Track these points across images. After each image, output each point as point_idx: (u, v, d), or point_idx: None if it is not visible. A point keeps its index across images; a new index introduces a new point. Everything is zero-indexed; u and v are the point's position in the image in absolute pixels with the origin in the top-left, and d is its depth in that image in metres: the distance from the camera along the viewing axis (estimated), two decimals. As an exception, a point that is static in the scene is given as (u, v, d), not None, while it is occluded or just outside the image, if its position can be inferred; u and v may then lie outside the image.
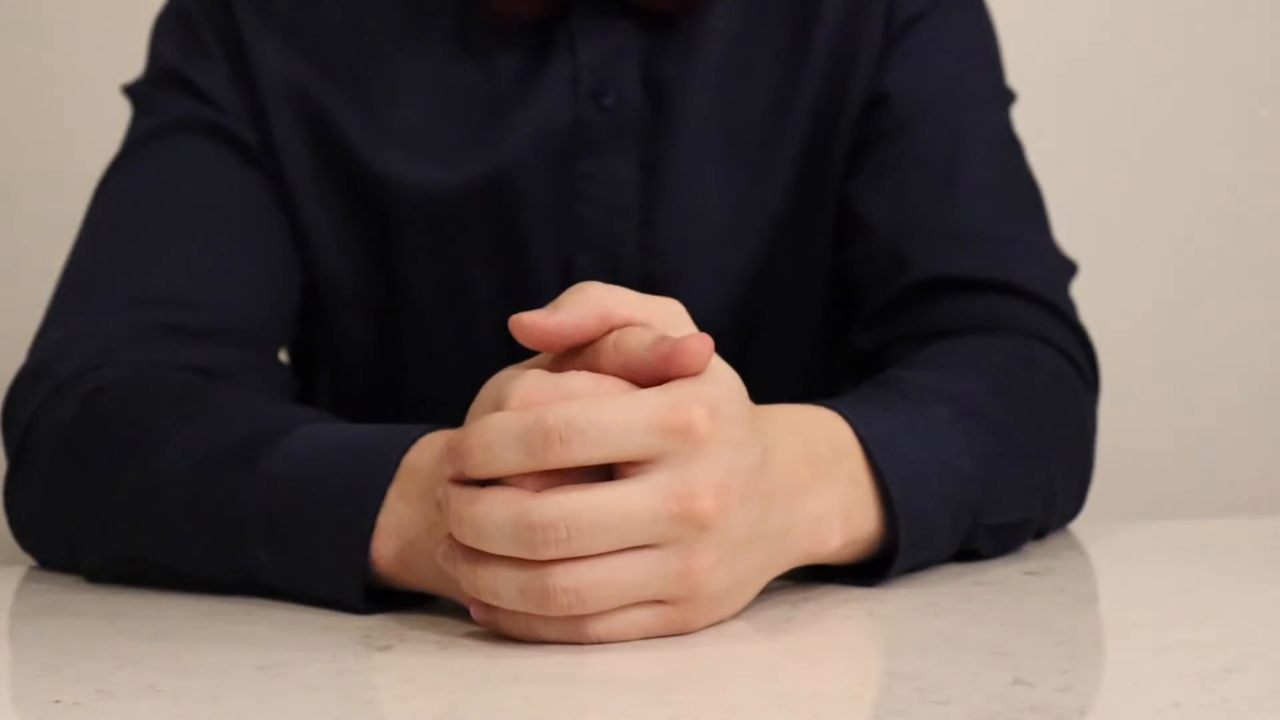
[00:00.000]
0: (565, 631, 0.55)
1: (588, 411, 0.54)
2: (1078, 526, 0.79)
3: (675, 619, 0.56)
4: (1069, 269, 0.89)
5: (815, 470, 0.62)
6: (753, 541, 0.58)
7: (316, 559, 0.63)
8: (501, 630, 0.56)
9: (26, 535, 0.76)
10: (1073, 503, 0.78)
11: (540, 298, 0.87)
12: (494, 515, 0.54)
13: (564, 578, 0.54)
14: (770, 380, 0.93)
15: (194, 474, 0.67)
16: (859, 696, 0.48)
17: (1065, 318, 0.84)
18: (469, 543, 0.55)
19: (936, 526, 0.65)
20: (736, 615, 0.59)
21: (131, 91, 0.93)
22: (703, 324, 0.82)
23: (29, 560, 0.79)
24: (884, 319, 0.87)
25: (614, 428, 0.54)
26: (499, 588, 0.55)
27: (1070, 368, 0.82)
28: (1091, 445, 0.81)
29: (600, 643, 0.55)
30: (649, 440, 0.54)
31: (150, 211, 0.87)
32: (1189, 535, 0.79)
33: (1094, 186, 1.54)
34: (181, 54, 0.91)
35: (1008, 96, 0.94)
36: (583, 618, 0.55)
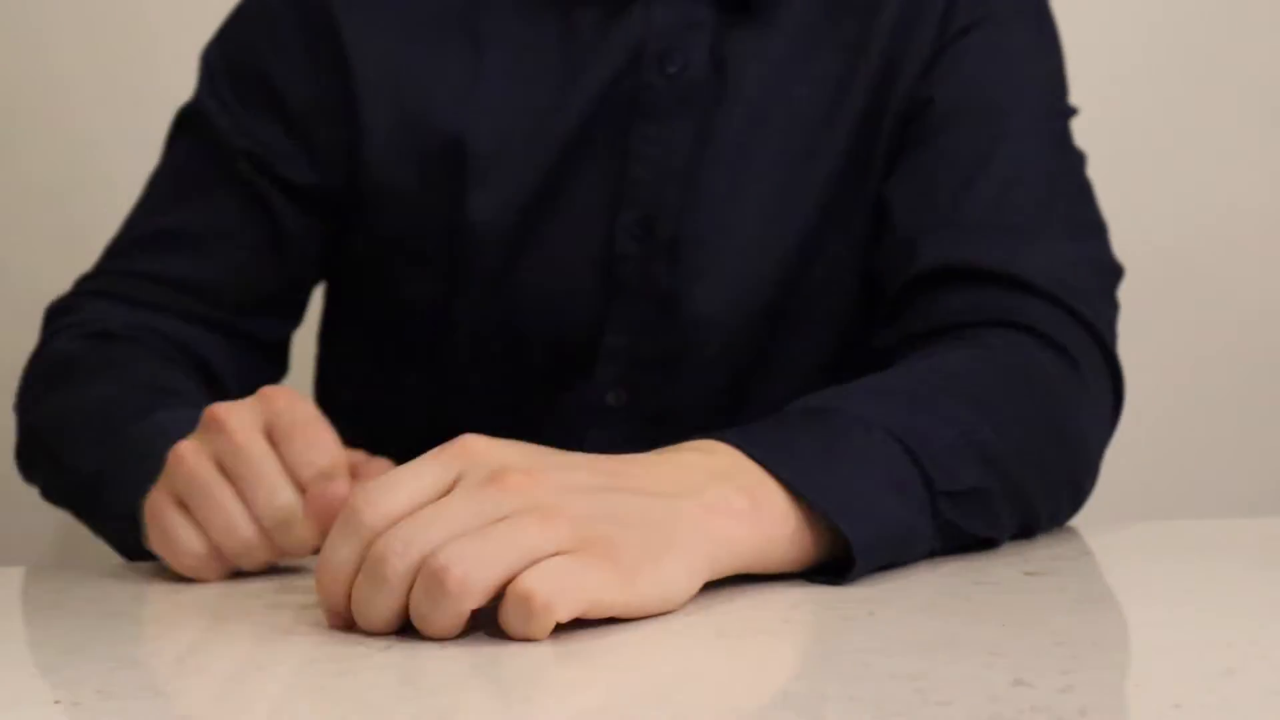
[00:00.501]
0: (526, 623, 0.55)
1: (380, 484, 0.58)
2: (1077, 526, 0.79)
3: (593, 563, 0.56)
4: (1099, 270, 0.88)
5: (664, 454, 0.64)
6: (602, 489, 0.59)
7: (111, 503, 0.78)
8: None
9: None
10: (1061, 498, 0.78)
11: (588, 247, 0.93)
12: (362, 593, 0.57)
13: (441, 557, 0.55)
14: (793, 369, 0.95)
15: (99, 411, 0.84)
16: (859, 696, 0.48)
17: (1072, 312, 0.83)
18: (376, 620, 0.57)
19: (867, 495, 0.65)
20: (735, 616, 0.59)
21: (193, 110, 1.00)
22: (733, 301, 0.93)
23: (29, 560, 0.79)
24: (893, 316, 0.88)
25: (404, 473, 0.58)
26: (429, 622, 0.56)
27: (1061, 364, 0.81)
28: (1078, 441, 0.80)
29: (561, 619, 0.55)
30: (440, 467, 0.58)
31: (180, 206, 0.99)
32: (1189, 535, 0.79)
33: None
34: (254, 48, 0.98)
35: (1062, 109, 0.94)
36: (530, 599, 0.55)
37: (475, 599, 0.55)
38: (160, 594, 0.69)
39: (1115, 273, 0.90)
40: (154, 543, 0.73)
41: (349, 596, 0.58)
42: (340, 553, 0.58)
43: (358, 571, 0.58)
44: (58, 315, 0.99)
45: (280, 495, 0.72)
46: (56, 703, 0.50)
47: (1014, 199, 0.88)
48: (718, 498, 0.62)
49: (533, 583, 0.55)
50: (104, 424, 0.82)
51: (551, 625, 0.56)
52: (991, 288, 0.84)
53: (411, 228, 0.97)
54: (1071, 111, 0.95)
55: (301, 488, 0.71)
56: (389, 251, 0.99)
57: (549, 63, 0.93)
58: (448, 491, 0.58)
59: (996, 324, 0.83)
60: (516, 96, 0.93)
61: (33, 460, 0.91)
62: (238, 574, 0.73)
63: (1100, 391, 0.84)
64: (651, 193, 0.93)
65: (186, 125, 1.00)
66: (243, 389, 0.98)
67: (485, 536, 0.56)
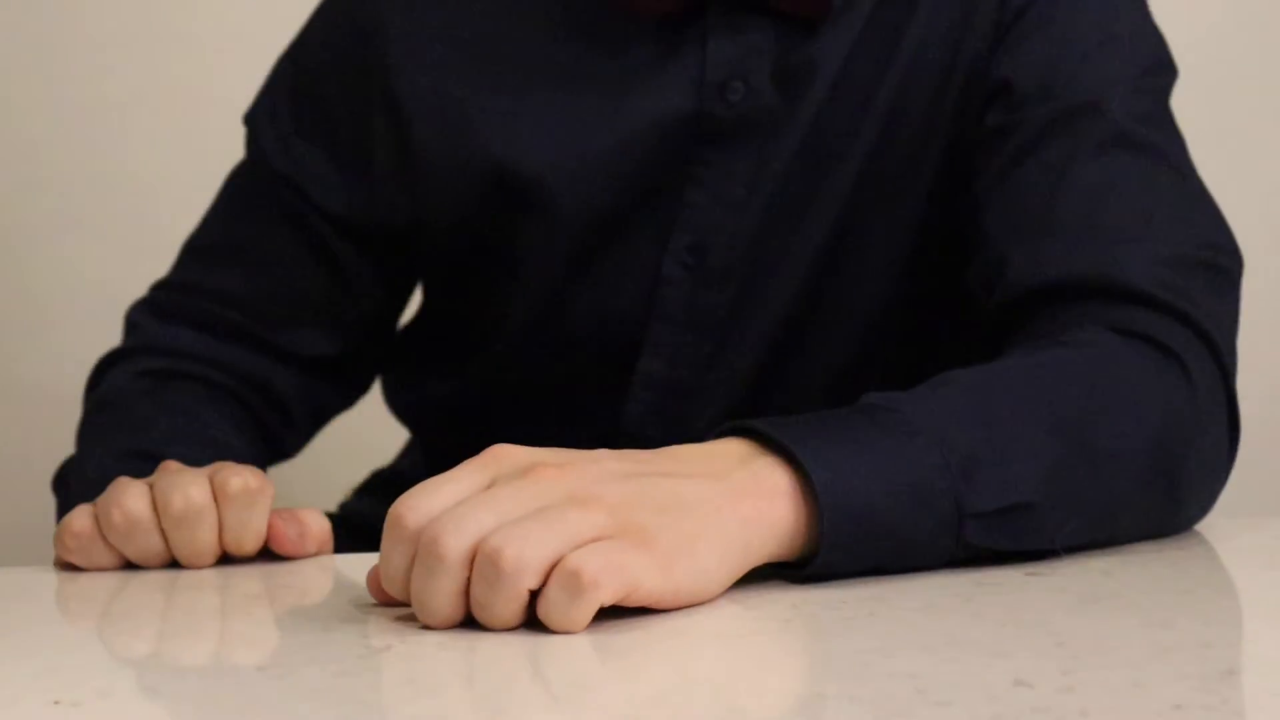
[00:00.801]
0: (571, 603, 0.56)
1: (418, 490, 0.60)
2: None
3: (633, 548, 0.57)
4: (1207, 265, 0.81)
5: (689, 445, 0.64)
6: (632, 474, 0.60)
7: None
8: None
9: None
10: (1151, 511, 0.73)
11: (636, 272, 0.93)
12: (421, 583, 0.57)
13: (493, 540, 0.56)
14: (806, 386, 0.94)
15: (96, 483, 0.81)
16: (859, 696, 0.48)
17: (1178, 313, 0.78)
18: (439, 609, 0.58)
19: (874, 494, 0.63)
20: (736, 616, 0.59)
21: (251, 121, 1.02)
22: (772, 335, 0.94)
23: (30, 561, 0.79)
24: (995, 341, 0.83)
25: (440, 478, 0.60)
26: (489, 609, 0.57)
27: (1170, 371, 0.75)
28: (1172, 451, 0.73)
29: (605, 600, 0.56)
30: (474, 470, 0.60)
31: (231, 217, 1.02)
32: (1189, 535, 0.79)
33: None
34: (313, 73, 1.00)
35: (1149, 83, 0.88)
36: (579, 575, 0.55)
37: (531, 577, 0.56)
38: (160, 595, 0.69)
39: (1224, 269, 0.83)
40: (56, 534, 0.76)
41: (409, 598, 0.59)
42: (394, 558, 0.59)
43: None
44: (131, 330, 1.02)
45: (192, 490, 0.74)
46: (56, 703, 0.50)
47: (1107, 199, 0.83)
48: (747, 477, 0.62)
49: (581, 561, 0.56)
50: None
51: (595, 607, 0.56)
52: (1093, 300, 0.79)
53: (465, 254, 0.98)
54: (1168, 76, 0.89)
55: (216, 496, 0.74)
56: (442, 273, 1.01)
57: (601, 92, 0.92)
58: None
59: (1091, 327, 0.77)
60: (567, 125, 0.93)
61: (58, 478, 0.95)
62: (237, 576, 0.73)
63: (1213, 404, 0.78)
64: (707, 218, 0.92)
65: (247, 135, 1.03)
66: (308, 412, 1.04)
67: (532, 519, 0.57)
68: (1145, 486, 0.72)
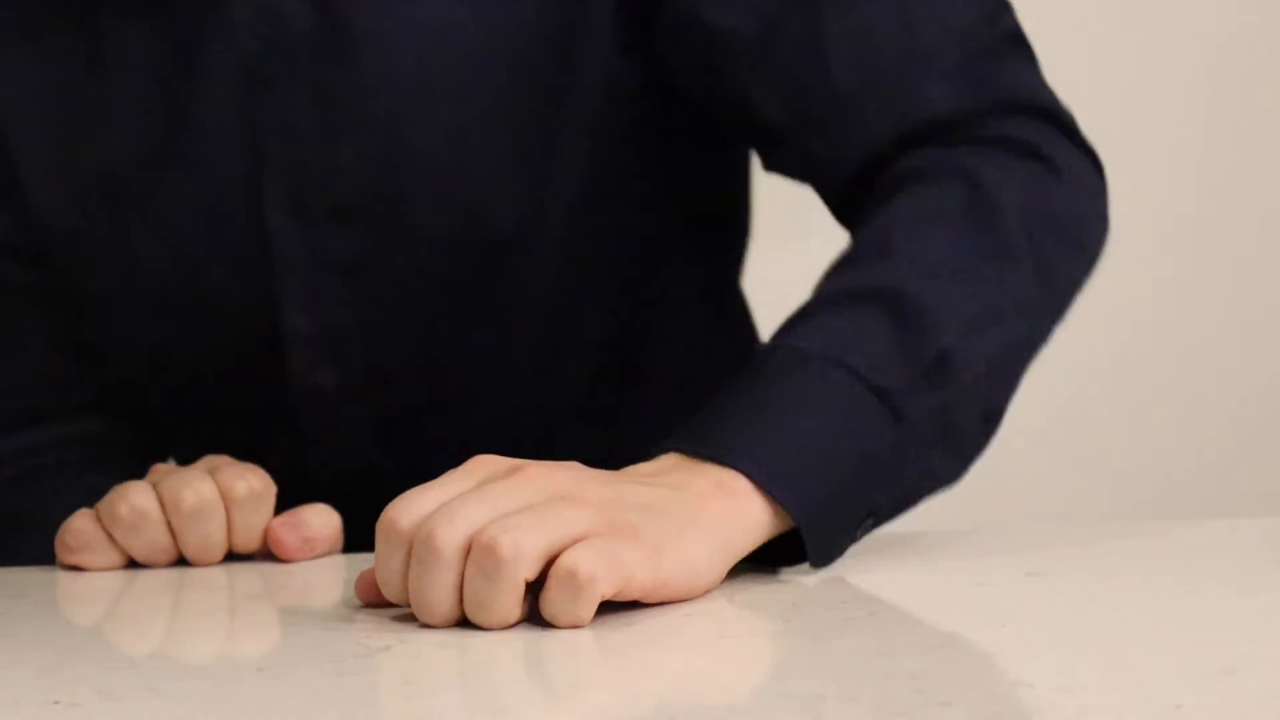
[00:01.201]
0: (573, 601, 0.57)
1: (408, 494, 0.60)
2: (1078, 526, 0.79)
3: (623, 542, 0.58)
4: (983, 38, 0.80)
5: (642, 466, 0.65)
6: (612, 481, 0.61)
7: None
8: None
9: None
10: (1036, 266, 0.76)
11: (246, 233, 0.86)
12: (420, 580, 0.58)
13: (489, 531, 0.57)
14: (507, 312, 0.87)
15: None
16: (859, 697, 0.48)
17: (982, 112, 0.79)
18: (439, 604, 0.58)
19: (803, 447, 0.66)
20: (735, 616, 0.59)
21: None
22: (418, 250, 0.86)
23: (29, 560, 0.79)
24: (843, 207, 0.83)
25: (429, 484, 0.60)
26: (487, 603, 0.57)
27: (992, 150, 0.78)
28: (1066, 219, 0.78)
29: (605, 594, 0.57)
30: (461, 475, 0.61)
31: None
32: (1189, 535, 0.79)
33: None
34: None
35: None
36: (575, 574, 0.56)
37: (528, 565, 0.56)
38: (160, 595, 0.69)
39: (999, 32, 0.81)
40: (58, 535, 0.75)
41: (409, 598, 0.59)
42: (391, 560, 0.59)
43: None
44: None
45: (202, 486, 0.73)
46: (56, 703, 0.50)
47: (870, 48, 0.79)
48: (706, 483, 0.64)
49: (576, 559, 0.56)
50: None
51: (596, 601, 0.57)
52: (913, 147, 0.78)
53: (80, 262, 0.91)
54: None
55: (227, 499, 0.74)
56: (68, 286, 0.93)
57: (157, 64, 0.85)
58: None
59: (939, 173, 0.77)
60: (148, 111, 0.86)
61: None
62: (237, 576, 0.73)
63: (1060, 148, 0.80)
64: (289, 158, 0.84)
65: None
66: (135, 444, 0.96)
67: (525, 513, 0.57)
68: (1032, 256, 0.75)
